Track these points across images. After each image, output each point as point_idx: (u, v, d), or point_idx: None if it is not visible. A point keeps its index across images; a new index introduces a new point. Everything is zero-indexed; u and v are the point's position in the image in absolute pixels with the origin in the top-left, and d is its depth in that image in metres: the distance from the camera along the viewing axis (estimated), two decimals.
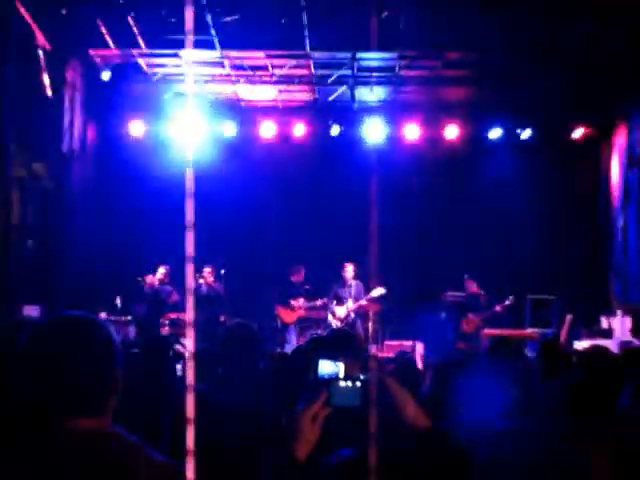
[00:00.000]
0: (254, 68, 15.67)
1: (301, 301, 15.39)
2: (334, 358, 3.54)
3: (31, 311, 12.37)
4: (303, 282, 15.58)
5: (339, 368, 3.46)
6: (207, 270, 15.52)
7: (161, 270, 15.33)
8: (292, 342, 14.75)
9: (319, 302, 15.33)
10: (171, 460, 2.41)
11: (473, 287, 15.60)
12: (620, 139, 16.04)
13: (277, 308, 15.34)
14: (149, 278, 15.19)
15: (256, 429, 4.26)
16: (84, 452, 2.31)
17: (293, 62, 15.25)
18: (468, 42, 14.02)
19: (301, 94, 16.86)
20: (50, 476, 2.29)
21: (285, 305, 15.33)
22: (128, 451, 2.36)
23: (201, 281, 15.45)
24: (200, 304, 15.30)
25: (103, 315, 14.20)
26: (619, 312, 14.34)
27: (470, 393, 4.72)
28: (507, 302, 15.17)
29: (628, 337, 13.48)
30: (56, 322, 2.56)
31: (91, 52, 14.98)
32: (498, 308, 15.16)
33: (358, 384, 3.17)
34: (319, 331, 14.46)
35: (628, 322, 13.73)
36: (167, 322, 15.24)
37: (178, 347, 13.09)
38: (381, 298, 14.98)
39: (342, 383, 3.19)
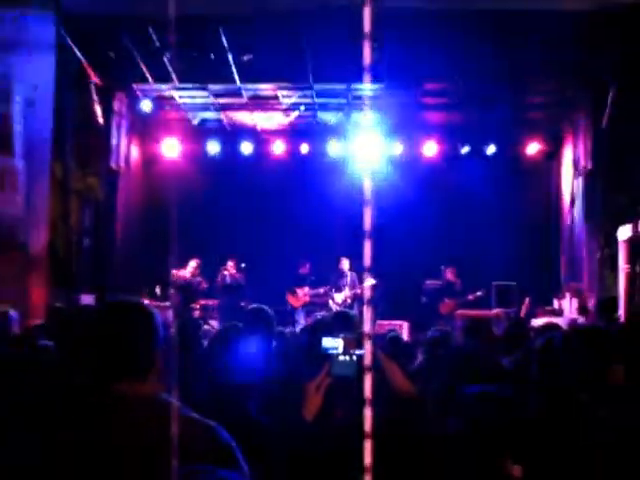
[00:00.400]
0: (267, 97, 15.70)
1: (306, 289, 15.51)
2: (335, 335, 3.62)
3: (87, 299, 12.45)
4: (309, 274, 15.68)
5: (339, 344, 3.52)
6: (230, 264, 15.57)
7: (192, 264, 15.35)
8: (300, 322, 14.82)
9: (322, 290, 15.45)
10: (207, 420, 2.42)
11: (450, 275, 15.66)
12: (567, 152, 16.09)
13: (287, 295, 15.43)
14: (180, 272, 15.19)
15: (272, 394, 4.30)
16: (132, 412, 2.33)
17: (299, 92, 15.29)
18: (442, 74, 14.08)
19: (305, 119, 16.84)
20: (104, 432, 2.30)
21: (293, 293, 15.44)
22: (170, 411, 2.31)
23: (225, 273, 15.50)
24: (225, 292, 15.38)
25: (145, 301, 14.25)
26: (567, 295, 14.38)
27: (450, 363, 4.79)
28: (478, 293, 15.27)
29: (575, 315, 13.52)
30: (111, 305, 2.63)
31: (134, 86, 15.04)
32: (471, 297, 15.26)
33: (354, 358, 3.24)
34: (322, 313, 14.57)
35: (575, 303, 13.77)
36: (198, 307, 15.30)
37: (206, 327, 13.23)
38: (372, 286, 15.07)
39: (341, 357, 3.26)
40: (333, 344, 3.51)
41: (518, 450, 3.28)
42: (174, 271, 15.11)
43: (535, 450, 3.26)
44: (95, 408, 2.36)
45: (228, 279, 15.47)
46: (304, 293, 15.47)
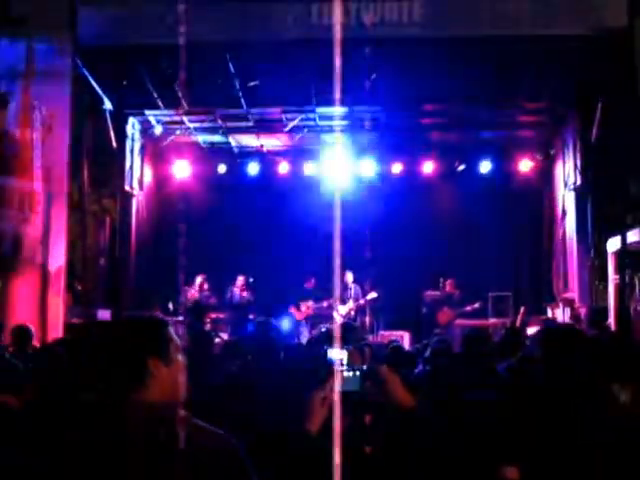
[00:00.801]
0: (272, 121, 15.76)
1: (310, 303, 15.45)
2: (341, 347, 3.62)
3: (104, 314, 12.48)
4: (314, 288, 15.65)
5: (344, 355, 3.52)
6: (240, 279, 15.60)
7: (198, 280, 15.36)
8: (305, 334, 14.83)
9: (325, 304, 15.42)
10: (215, 428, 2.39)
11: (449, 287, 15.67)
12: (558, 168, 16.12)
13: (291, 308, 15.42)
14: (189, 293, 15.18)
15: (278, 405, 4.30)
16: (144, 419, 2.32)
17: (302, 115, 15.35)
18: (437, 96, 14.15)
19: (308, 140, 16.87)
20: (116, 438, 2.29)
21: (297, 307, 15.43)
22: (181, 420, 2.32)
23: (235, 289, 15.54)
24: (234, 306, 15.40)
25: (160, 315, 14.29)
26: (561, 304, 14.36)
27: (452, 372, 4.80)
28: (476, 305, 15.28)
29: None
30: (130, 320, 2.63)
31: (146, 112, 15.13)
32: (468, 308, 15.27)
33: (358, 373, 3.23)
34: (328, 325, 14.59)
35: (567, 311, 13.75)
36: (208, 320, 15.31)
37: (217, 340, 13.23)
38: (374, 299, 15.16)
39: (346, 373, 3.24)
40: (339, 355, 3.51)
41: (515, 453, 3.28)
42: (185, 292, 15.13)
43: (532, 453, 3.26)
44: (109, 418, 2.36)
45: (237, 296, 15.49)
46: (307, 307, 15.46)
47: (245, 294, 15.54)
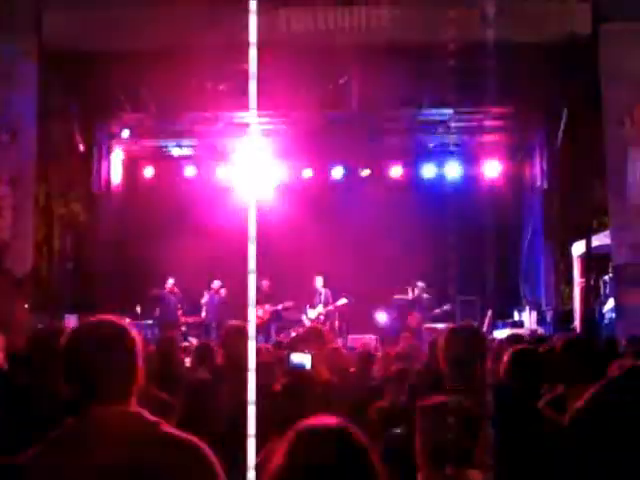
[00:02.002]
0: (241, 125, 15.74)
1: (266, 307, 15.38)
2: (304, 352, 3.72)
3: (70, 319, 12.40)
4: (270, 291, 15.51)
5: (307, 359, 3.61)
6: (216, 283, 15.60)
7: (170, 281, 15.30)
8: (272, 337, 14.82)
9: (280, 306, 15.39)
10: (185, 434, 2.33)
11: (419, 290, 15.72)
12: (525, 172, 16.32)
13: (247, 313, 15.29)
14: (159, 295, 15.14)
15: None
16: (112, 431, 2.26)
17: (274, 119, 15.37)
18: (403, 101, 14.26)
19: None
20: (83, 453, 2.22)
21: None
22: (149, 428, 2.29)
23: (212, 292, 15.52)
24: (214, 311, 15.41)
25: (127, 320, 14.14)
26: (527, 307, 14.53)
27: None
28: (445, 307, 15.36)
29: (534, 326, 13.67)
30: (88, 325, 2.50)
31: (113, 115, 15.05)
32: (438, 311, 15.34)
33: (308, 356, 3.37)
34: (297, 329, 14.61)
35: (534, 315, 13.91)
36: (182, 323, 15.29)
37: (186, 343, 13.19)
38: (344, 305, 15.22)
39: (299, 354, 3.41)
40: (301, 359, 3.59)
41: (479, 456, 3.33)
42: (155, 295, 15.06)
43: (496, 455, 3.31)
44: (74, 429, 2.30)
45: (216, 299, 15.46)
46: (264, 311, 15.39)
47: (222, 297, 15.49)
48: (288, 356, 3.84)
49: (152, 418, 2.33)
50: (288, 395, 3.60)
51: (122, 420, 2.29)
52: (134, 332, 2.49)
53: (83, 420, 2.30)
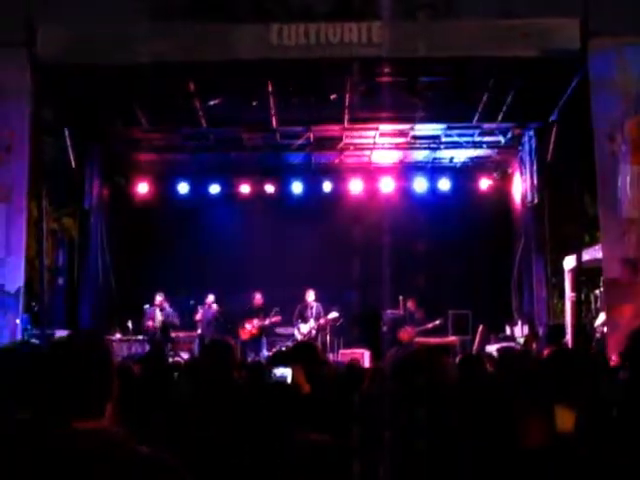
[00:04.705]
0: (234, 140, 15.80)
1: (255, 322, 15.39)
2: (285, 366, 3.82)
3: (62, 334, 12.39)
4: (262, 305, 15.51)
5: (288, 372, 3.69)
6: (210, 297, 15.52)
7: (158, 298, 15.13)
8: (263, 352, 14.85)
9: (267, 322, 15.36)
10: (160, 452, 2.31)
11: (411, 305, 15.74)
12: (516, 186, 16.39)
13: (239, 329, 15.32)
14: (148, 324, 14.90)
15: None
16: (84, 448, 2.23)
17: (263, 134, 15.45)
18: (397, 115, 14.37)
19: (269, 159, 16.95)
20: (54, 469, 2.20)
21: (242, 327, 15.34)
22: (122, 446, 2.27)
23: (206, 307, 15.43)
24: (209, 323, 15.36)
25: (118, 335, 14.17)
26: (519, 322, 14.56)
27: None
28: (437, 322, 15.39)
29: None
30: (64, 340, 2.50)
31: (106, 130, 15.07)
32: (429, 326, 15.37)
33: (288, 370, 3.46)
34: (288, 343, 14.63)
35: (525, 329, 13.95)
36: (175, 338, 15.22)
37: (177, 359, 13.19)
38: (335, 318, 15.23)
39: (281, 369, 3.52)
40: (283, 373, 3.66)
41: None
42: (145, 311, 14.91)
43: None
44: (49, 446, 2.25)
45: (209, 313, 15.42)
46: (252, 326, 15.38)
47: (216, 312, 15.44)
48: (269, 370, 3.89)
49: (125, 435, 2.32)
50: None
51: (94, 437, 2.27)
52: (108, 346, 2.49)
53: (58, 436, 2.27)
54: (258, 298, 15.54)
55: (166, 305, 15.10)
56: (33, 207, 12.10)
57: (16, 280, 11.09)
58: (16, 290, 11.05)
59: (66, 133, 13.64)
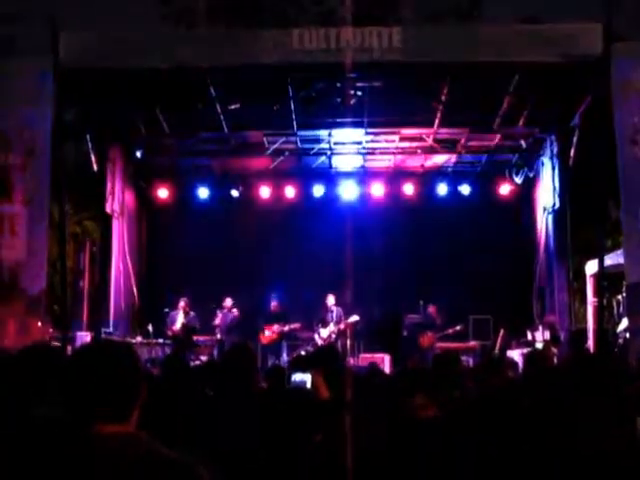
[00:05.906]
0: (254, 144, 15.86)
1: (275, 327, 15.40)
2: (304, 371, 3.81)
3: (83, 337, 12.46)
4: (280, 311, 15.56)
5: (307, 378, 3.67)
6: (228, 301, 15.51)
7: (181, 303, 15.15)
8: (283, 357, 14.89)
9: (286, 328, 15.35)
10: (186, 457, 2.32)
11: (432, 310, 15.70)
12: (538, 191, 16.29)
13: (259, 334, 15.34)
14: (174, 328, 14.93)
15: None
16: (111, 452, 2.26)
17: (283, 139, 15.49)
18: (418, 120, 14.37)
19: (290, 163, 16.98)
20: (81, 473, 2.22)
21: (262, 331, 15.35)
22: (149, 449, 2.29)
23: (225, 311, 15.43)
24: (228, 327, 15.36)
25: (139, 339, 14.23)
26: (540, 327, 14.47)
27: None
28: (457, 328, 15.34)
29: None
30: (91, 345, 2.59)
31: (127, 135, 15.16)
32: (450, 331, 15.33)
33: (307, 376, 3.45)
34: (308, 347, 14.65)
35: (547, 334, 13.85)
36: (196, 342, 15.24)
37: (197, 362, 13.22)
38: (355, 322, 15.22)
39: (299, 375, 3.51)
40: (302, 378, 3.64)
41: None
42: (167, 315, 14.96)
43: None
44: (76, 449, 2.28)
45: (229, 318, 15.42)
46: (272, 331, 15.39)
47: (235, 316, 15.44)
48: (289, 375, 3.89)
49: (150, 439, 2.33)
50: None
51: (121, 442, 2.29)
52: (135, 352, 2.52)
53: (81, 440, 2.29)
54: (275, 305, 15.58)
55: (188, 310, 15.13)
56: (55, 210, 12.17)
57: (38, 283, 11.16)
58: (38, 292, 11.11)
59: (88, 137, 13.72)
